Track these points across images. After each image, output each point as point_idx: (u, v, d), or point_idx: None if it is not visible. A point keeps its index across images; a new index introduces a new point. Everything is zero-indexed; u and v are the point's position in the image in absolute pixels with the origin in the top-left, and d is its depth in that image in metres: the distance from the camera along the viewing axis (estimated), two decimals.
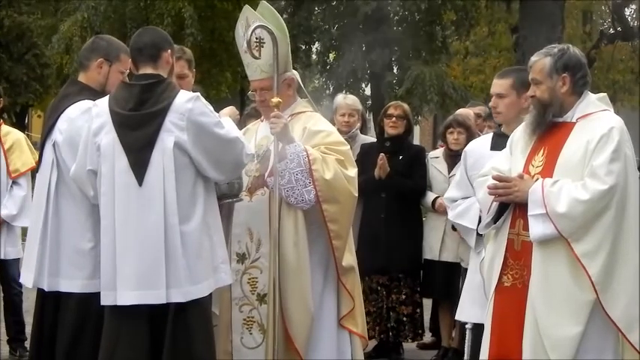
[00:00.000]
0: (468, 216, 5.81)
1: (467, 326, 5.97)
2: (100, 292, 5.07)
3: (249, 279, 5.67)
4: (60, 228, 5.35)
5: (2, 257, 7.79)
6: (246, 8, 5.76)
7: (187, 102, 4.95)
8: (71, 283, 5.32)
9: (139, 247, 4.92)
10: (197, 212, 5.01)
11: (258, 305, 5.65)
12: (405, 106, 8.58)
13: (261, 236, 5.63)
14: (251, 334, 5.67)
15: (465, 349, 6.05)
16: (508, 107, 5.65)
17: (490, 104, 5.80)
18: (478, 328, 5.68)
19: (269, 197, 5.59)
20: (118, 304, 4.94)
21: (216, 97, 20.99)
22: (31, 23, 23.85)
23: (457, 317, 6.13)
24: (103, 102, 5.12)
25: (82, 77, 5.57)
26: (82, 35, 18.69)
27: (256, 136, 5.84)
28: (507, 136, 5.62)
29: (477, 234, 5.70)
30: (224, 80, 22.09)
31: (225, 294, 5.68)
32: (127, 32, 19.15)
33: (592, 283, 4.56)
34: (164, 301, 4.89)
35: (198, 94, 5.07)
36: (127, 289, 4.93)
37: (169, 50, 5.16)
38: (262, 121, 5.95)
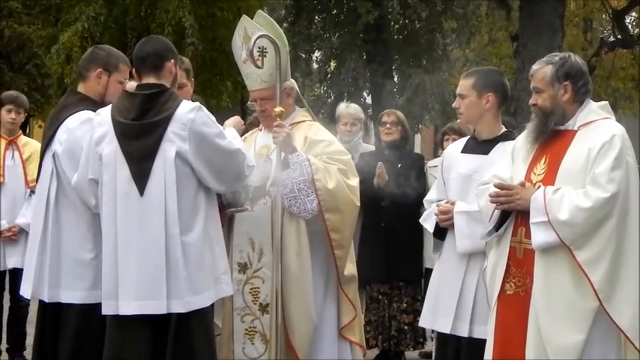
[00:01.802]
0: (430, 220, 5.84)
1: (432, 334, 5.97)
2: (101, 303, 5.08)
3: (251, 289, 5.67)
4: (60, 239, 5.35)
5: (20, 266, 7.80)
6: (244, 18, 5.75)
7: (189, 112, 4.95)
8: (72, 294, 5.32)
9: (140, 257, 4.91)
10: (198, 222, 5.00)
11: (260, 315, 5.65)
12: (398, 112, 8.58)
13: (263, 246, 5.63)
14: (253, 344, 5.66)
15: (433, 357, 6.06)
16: (468, 107, 5.63)
17: (453, 104, 5.81)
18: (442, 337, 5.70)
19: (271, 207, 5.59)
20: (120, 314, 4.94)
21: (216, 107, 20.99)
22: (32, 33, 23.83)
23: (420, 323, 6.10)
24: (106, 111, 5.12)
25: (81, 87, 5.57)
26: (83, 45, 18.70)
27: (255, 145, 5.84)
28: (479, 140, 5.68)
29: (435, 239, 5.81)
30: (225, 89, 22.09)
31: (227, 304, 5.67)
32: (127, 42, 19.20)
33: (594, 290, 4.55)
34: (165, 312, 4.88)
35: (200, 104, 5.06)
36: (127, 299, 4.92)
37: (173, 60, 5.15)
38: (260, 129, 5.95)
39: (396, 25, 23.69)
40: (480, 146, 5.65)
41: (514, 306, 4.81)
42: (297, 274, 5.54)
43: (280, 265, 5.49)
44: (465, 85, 5.65)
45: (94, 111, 5.27)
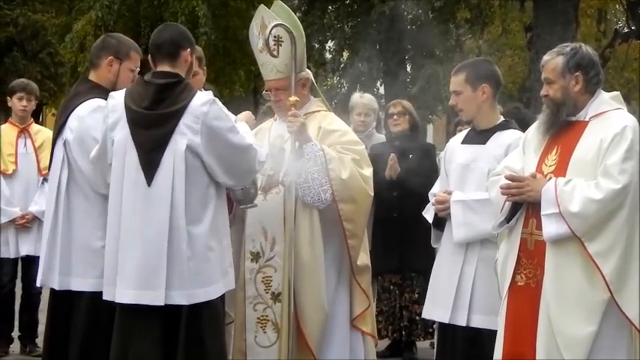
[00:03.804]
0: (430, 211, 5.87)
1: (434, 326, 5.98)
2: None
3: (264, 278, 5.67)
4: (71, 226, 5.37)
5: (34, 254, 7.83)
6: (262, 8, 5.76)
7: (203, 105, 4.92)
8: (83, 282, 5.34)
9: (141, 247, 4.90)
10: (207, 215, 4.99)
11: (272, 304, 5.65)
12: (405, 102, 8.57)
13: (276, 235, 5.63)
14: (265, 332, 5.67)
15: (435, 349, 6.08)
16: (466, 103, 5.64)
17: (450, 102, 5.81)
18: (442, 326, 5.72)
19: (284, 196, 5.60)
20: (116, 301, 4.94)
21: (229, 96, 20.99)
22: (46, 22, 23.90)
23: (423, 315, 6.11)
24: (120, 95, 5.10)
25: (92, 75, 5.59)
26: (96, 34, 18.68)
27: (269, 134, 5.84)
28: (477, 130, 5.70)
29: (435, 229, 5.84)
30: (238, 79, 22.09)
31: (240, 293, 5.68)
32: (140, 31, 19.21)
33: (606, 282, 4.54)
34: (162, 303, 4.85)
35: (212, 95, 5.02)
36: (126, 287, 4.92)
37: (189, 49, 5.12)
38: (275, 119, 5.95)
39: (409, 15, 23.64)
40: (478, 136, 5.68)
41: (525, 297, 4.80)
42: (310, 264, 5.54)
43: (293, 254, 5.51)
44: (457, 81, 5.65)
45: (105, 99, 5.28)
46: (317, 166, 5.48)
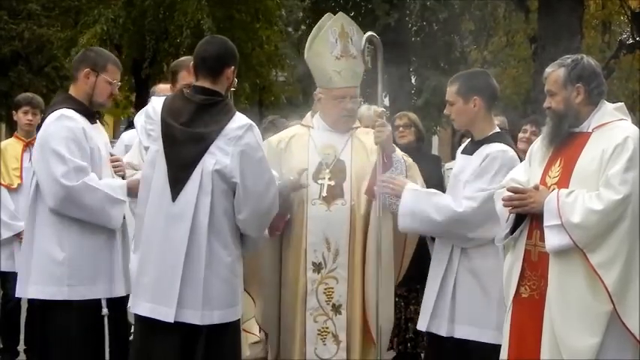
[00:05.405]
0: None
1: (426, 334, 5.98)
2: (85, 300, 5.23)
3: (325, 289, 5.71)
4: (34, 234, 5.39)
5: None
6: (340, 15, 5.89)
7: (239, 129, 4.90)
8: (39, 290, 5.33)
9: (159, 261, 4.91)
10: (235, 238, 4.99)
11: (332, 315, 5.69)
12: (410, 114, 8.58)
13: (340, 246, 5.67)
14: (325, 344, 5.70)
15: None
16: (457, 114, 5.61)
17: (445, 111, 5.79)
18: (431, 337, 5.70)
19: (350, 208, 5.65)
20: (133, 311, 4.98)
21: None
22: (51, 36, 23.92)
23: (418, 326, 6.07)
24: (159, 104, 5.08)
25: (71, 89, 5.63)
26: (102, 47, 18.79)
27: (314, 142, 5.86)
28: (474, 142, 5.66)
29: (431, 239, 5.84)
30: (242, 92, 22.09)
31: (300, 304, 5.71)
32: (145, 44, 19.25)
33: (608, 293, 4.55)
34: (171, 320, 4.85)
35: (252, 122, 4.99)
36: (142, 299, 4.95)
37: (233, 67, 5.07)
38: (311, 127, 5.96)
39: (414, 27, 23.70)
40: (471, 147, 5.65)
41: (529, 309, 4.82)
42: (388, 273, 5.66)
43: (371, 266, 5.58)
44: (450, 92, 5.63)
45: (78, 111, 5.36)
46: (402, 174, 5.63)
